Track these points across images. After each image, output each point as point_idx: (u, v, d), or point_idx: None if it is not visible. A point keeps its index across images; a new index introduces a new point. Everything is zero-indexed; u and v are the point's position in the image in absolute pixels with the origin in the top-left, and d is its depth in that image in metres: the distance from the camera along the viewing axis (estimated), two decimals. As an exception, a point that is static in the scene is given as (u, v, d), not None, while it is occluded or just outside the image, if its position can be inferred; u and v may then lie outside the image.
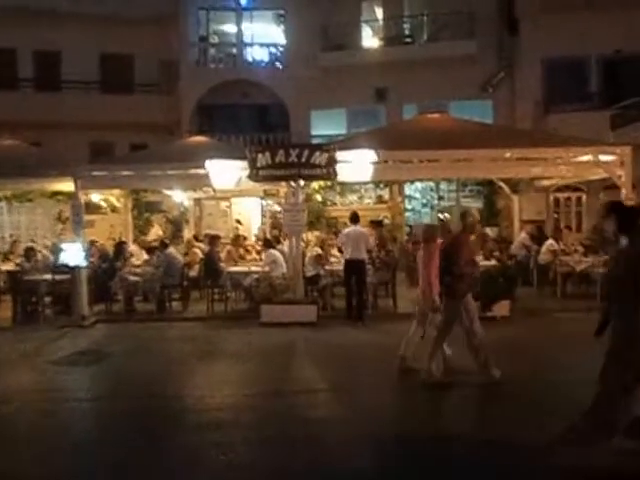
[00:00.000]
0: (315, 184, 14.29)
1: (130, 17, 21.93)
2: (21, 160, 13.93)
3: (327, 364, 8.94)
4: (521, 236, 15.24)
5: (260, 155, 11.70)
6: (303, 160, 11.60)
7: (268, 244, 12.95)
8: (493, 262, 12.45)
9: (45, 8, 21.19)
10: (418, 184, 20.06)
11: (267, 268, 12.21)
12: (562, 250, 13.58)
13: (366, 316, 11.66)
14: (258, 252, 14.35)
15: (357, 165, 11.82)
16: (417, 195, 20.67)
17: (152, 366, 9.03)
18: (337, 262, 12.73)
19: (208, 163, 11.91)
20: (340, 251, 12.94)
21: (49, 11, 21.25)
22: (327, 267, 12.59)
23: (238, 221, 19.13)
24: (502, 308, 11.36)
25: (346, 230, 12.19)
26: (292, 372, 8.56)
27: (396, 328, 10.95)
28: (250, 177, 11.84)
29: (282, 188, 13.73)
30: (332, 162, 11.61)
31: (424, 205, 20.66)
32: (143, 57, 22.93)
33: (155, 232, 16.92)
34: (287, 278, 11.90)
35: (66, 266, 12.25)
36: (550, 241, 13.83)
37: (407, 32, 22.78)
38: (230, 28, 24.07)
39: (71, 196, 12.92)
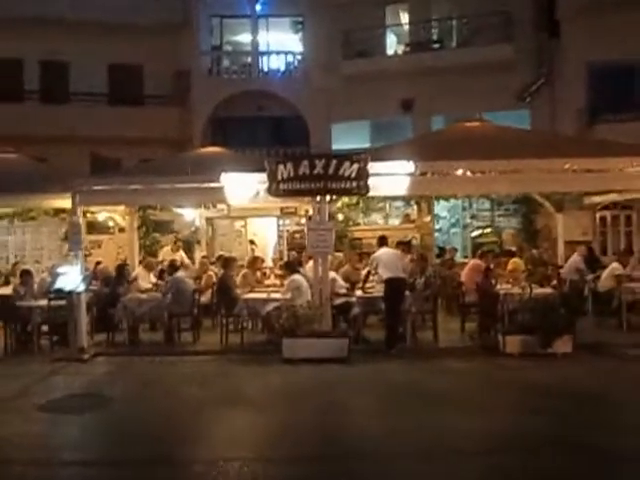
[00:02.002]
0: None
1: (139, 26, 20.92)
2: (22, 175, 12.78)
3: (370, 413, 7.43)
4: (573, 259, 13.52)
5: (281, 167, 10.32)
6: (330, 172, 10.22)
7: (291, 268, 11.40)
8: (549, 290, 10.93)
9: (52, 17, 20.29)
10: (447, 201, 18.43)
11: (289, 295, 10.71)
12: (627, 276, 11.90)
13: (403, 349, 10.43)
14: (277, 276, 12.88)
15: (391, 178, 10.45)
16: (445, 214, 19.03)
17: (156, 417, 7.55)
18: (370, 287, 11.25)
19: (224, 177, 10.54)
20: (366, 278, 11.50)
21: (56, 21, 20.34)
22: (359, 293, 11.15)
23: (252, 242, 17.68)
24: (563, 344, 9.76)
25: (377, 252, 10.99)
26: (328, 425, 7.02)
27: (440, 365, 9.63)
28: (269, 191, 10.46)
29: (304, 205, 12.39)
30: (363, 175, 10.20)
31: (453, 225, 19.07)
32: (153, 67, 21.81)
33: (171, 254, 15.36)
34: (312, 307, 10.37)
35: (61, 291, 10.97)
36: (614, 264, 12.14)
37: (435, 37, 21.39)
38: (244, 37, 22.95)
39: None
